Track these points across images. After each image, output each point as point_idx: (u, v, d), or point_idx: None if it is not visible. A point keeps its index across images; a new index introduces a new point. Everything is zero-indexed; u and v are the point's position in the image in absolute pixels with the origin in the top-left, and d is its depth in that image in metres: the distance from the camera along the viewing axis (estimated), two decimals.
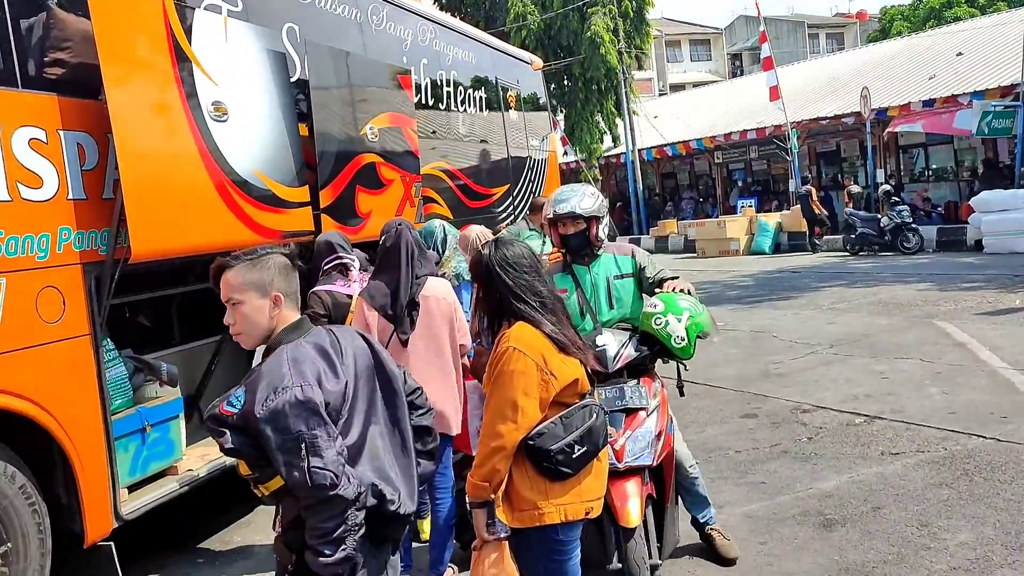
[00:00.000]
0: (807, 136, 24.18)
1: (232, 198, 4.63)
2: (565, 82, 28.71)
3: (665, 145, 28.16)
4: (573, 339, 2.78)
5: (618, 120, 28.83)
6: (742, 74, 47.03)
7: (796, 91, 25.71)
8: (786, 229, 21.59)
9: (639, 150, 28.63)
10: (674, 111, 30.75)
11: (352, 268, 4.70)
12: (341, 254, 4.63)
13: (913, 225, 17.53)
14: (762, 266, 18.05)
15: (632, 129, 28.21)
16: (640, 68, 30.58)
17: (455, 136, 8.70)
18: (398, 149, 6.60)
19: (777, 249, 21.32)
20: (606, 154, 30.09)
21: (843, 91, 23.93)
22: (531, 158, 10.94)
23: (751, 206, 24.18)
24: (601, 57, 25.98)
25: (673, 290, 3.90)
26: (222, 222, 4.58)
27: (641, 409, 3.67)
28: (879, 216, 18.10)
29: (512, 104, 10.50)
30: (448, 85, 8.51)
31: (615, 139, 29.63)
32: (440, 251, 5.84)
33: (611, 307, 4.15)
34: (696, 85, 44.65)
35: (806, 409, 6.72)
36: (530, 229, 7.51)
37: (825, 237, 20.36)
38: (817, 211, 20.46)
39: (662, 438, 3.67)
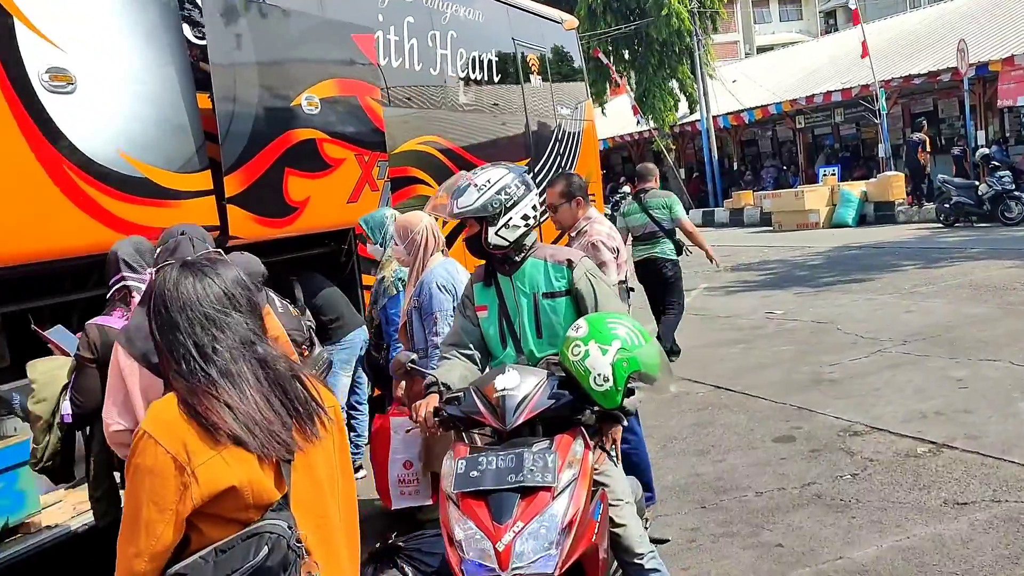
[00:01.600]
0: (899, 96, 22.07)
1: (79, 188, 3.68)
2: (637, 46, 27.10)
3: (742, 111, 26.28)
4: (262, 420, 1.71)
5: (694, 85, 27.10)
6: (837, 32, 43.91)
7: (888, 47, 23.54)
8: (872, 199, 19.68)
9: (715, 117, 26.84)
10: (754, 75, 28.70)
11: (138, 293, 3.20)
12: (126, 273, 3.22)
13: (1016, 193, 15.50)
14: (841, 240, 16.33)
15: (706, 94, 26.42)
16: (715, 30, 28.57)
17: (452, 106, 7.57)
18: (351, 122, 5.53)
19: (862, 221, 19.44)
20: (681, 122, 28.37)
21: (940, 45, 21.66)
22: (560, 129, 9.73)
23: (833, 174, 22.22)
24: (665, 19, 24.29)
25: None
26: (63, 220, 3.64)
27: (544, 489, 2.54)
28: (977, 183, 16.13)
29: (535, 69, 9.30)
30: (444, 47, 7.40)
31: (691, 105, 27.84)
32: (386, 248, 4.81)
33: (539, 335, 3.07)
34: (786, 46, 41.94)
35: (857, 431, 5.42)
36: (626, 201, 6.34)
37: (915, 207, 18.45)
38: (924, 163, 18.61)
39: (574, 529, 2.52)
